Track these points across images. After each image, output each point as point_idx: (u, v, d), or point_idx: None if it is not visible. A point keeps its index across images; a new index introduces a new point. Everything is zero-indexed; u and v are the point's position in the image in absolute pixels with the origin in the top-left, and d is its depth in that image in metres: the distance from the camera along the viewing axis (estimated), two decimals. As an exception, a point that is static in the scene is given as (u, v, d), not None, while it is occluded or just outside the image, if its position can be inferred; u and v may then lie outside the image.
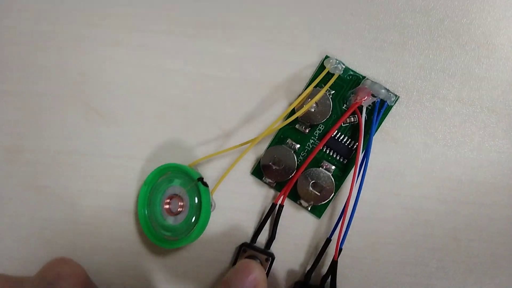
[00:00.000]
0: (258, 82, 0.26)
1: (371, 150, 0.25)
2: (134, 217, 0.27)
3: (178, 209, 0.25)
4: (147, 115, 0.27)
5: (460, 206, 0.25)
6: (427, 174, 0.25)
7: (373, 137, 0.24)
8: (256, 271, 0.20)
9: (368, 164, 0.25)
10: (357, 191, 0.24)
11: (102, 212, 0.27)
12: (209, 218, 0.24)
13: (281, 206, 0.25)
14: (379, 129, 0.25)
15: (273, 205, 0.25)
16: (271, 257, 0.25)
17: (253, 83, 0.26)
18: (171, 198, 0.25)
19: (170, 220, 0.25)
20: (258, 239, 0.26)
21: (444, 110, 0.25)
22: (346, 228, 0.23)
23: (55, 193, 0.28)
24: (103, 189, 0.27)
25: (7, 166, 0.28)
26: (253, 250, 0.25)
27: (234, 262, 0.26)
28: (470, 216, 0.25)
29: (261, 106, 0.26)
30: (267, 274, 0.24)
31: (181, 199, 0.25)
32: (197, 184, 0.24)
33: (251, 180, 0.26)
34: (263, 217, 0.25)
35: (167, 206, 0.25)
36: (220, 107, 0.26)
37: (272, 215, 0.25)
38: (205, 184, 0.24)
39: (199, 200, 0.24)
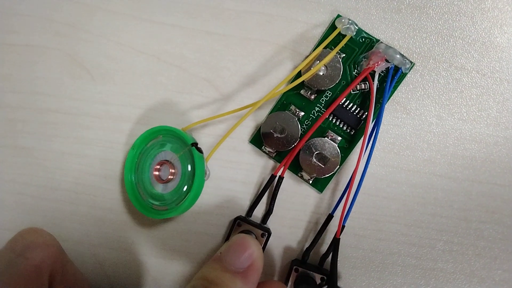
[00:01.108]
0: (261, 41, 0.24)
1: (381, 121, 0.23)
2: (120, 184, 0.25)
3: (169, 177, 0.22)
4: (137, 73, 0.25)
5: (472, 185, 0.23)
6: (439, 150, 0.23)
7: (385, 107, 0.22)
8: (252, 247, 0.18)
9: (378, 136, 0.23)
10: (364, 164, 0.22)
11: (85, 178, 0.25)
12: (202, 187, 0.22)
13: (281, 177, 0.23)
14: (390, 98, 0.23)
15: (272, 177, 0.23)
16: (268, 232, 0.23)
17: (256, 42, 0.24)
18: (161, 164, 0.23)
19: (159, 188, 0.23)
20: (253, 213, 0.24)
21: (461, 81, 0.23)
22: (350, 204, 0.22)
23: (34, 155, 0.26)
24: (87, 153, 0.25)
25: (-18, 124, 0.26)
26: (248, 225, 0.23)
27: (228, 236, 0.24)
28: (482, 197, 0.23)
29: (263, 68, 0.24)
30: (263, 250, 0.22)
31: (173, 166, 0.22)
32: (190, 149, 0.22)
33: (249, 149, 0.24)
34: (261, 190, 0.23)
35: (156, 173, 0.23)
36: (218, 67, 0.24)
37: (270, 187, 0.23)
38: (200, 150, 0.22)
39: (193, 167, 0.22)
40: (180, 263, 0.25)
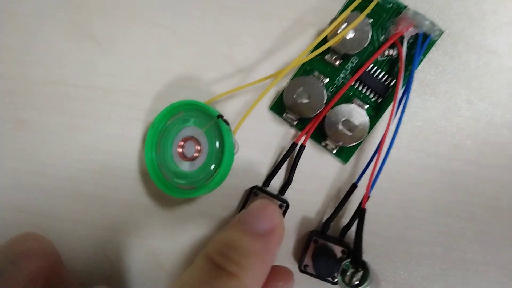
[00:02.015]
0: (280, 15, 0.23)
1: (408, 104, 0.22)
2: (128, 162, 0.23)
3: (194, 154, 0.21)
4: (151, 46, 0.23)
5: (503, 173, 0.22)
6: (469, 135, 0.22)
7: (411, 89, 0.21)
8: (275, 212, 0.17)
9: (405, 119, 0.22)
10: (393, 131, 0.20)
11: (90, 154, 0.23)
12: (232, 162, 0.20)
13: (303, 146, 0.21)
14: (418, 81, 0.22)
15: (293, 145, 0.21)
16: (286, 204, 0.21)
17: (275, 16, 0.23)
18: (185, 141, 0.21)
19: (184, 166, 0.21)
20: (271, 184, 0.22)
21: (491, 64, 0.22)
22: (377, 174, 0.20)
23: (35, 129, 0.24)
24: (93, 128, 0.23)
25: (-21, 94, 0.24)
26: (265, 195, 0.21)
27: (242, 207, 0.22)
28: (513, 185, 0.22)
29: (283, 42, 0.23)
30: None
31: (198, 142, 0.21)
32: (217, 122, 0.20)
33: (269, 117, 0.23)
34: (280, 159, 0.22)
35: (180, 150, 0.21)
36: (237, 42, 0.23)
37: (290, 156, 0.22)
38: (227, 123, 0.20)
39: (221, 142, 0.20)
40: (189, 246, 0.23)
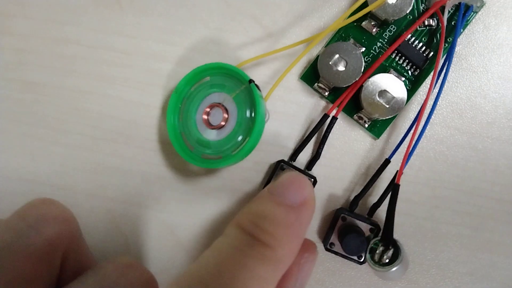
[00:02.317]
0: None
1: (447, 79, 0.21)
2: (146, 131, 0.22)
3: (221, 123, 0.19)
4: (174, 5, 0.22)
5: (536, 153, 0.21)
6: (505, 113, 0.21)
7: (447, 76, 0.20)
8: (308, 186, 0.16)
9: (442, 94, 0.21)
10: (431, 106, 0.19)
11: (106, 121, 0.22)
12: (262, 132, 0.19)
13: (335, 118, 0.20)
14: (455, 55, 0.21)
15: (325, 117, 0.20)
16: (313, 179, 0.20)
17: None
18: (211, 107, 0.20)
19: (210, 135, 0.20)
20: (298, 158, 0.21)
21: (532, 40, 0.21)
22: (412, 149, 0.19)
23: (45, 91, 0.22)
24: (109, 93, 0.22)
25: (-15, 51, 0.22)
26: (293, 169, 0.20)
27: (267, 182, 0.21)
28: (545, 167, 0.21)
29: (316, 6, 0.21)
30: None
31: (225, 110, 0.19)
32: (248, 87, 0.19)
33: (299, 87, 0.21)
34: (309, 132, 0.21)
35: (205, 117, 0.20)
36: (266, 3, 0.21)
37: (320, 130, 0.21)
38: (258, 88, 0.19)
39: (252, 109, 0.19)
40: (210, 222, 0.22)
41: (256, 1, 0.21)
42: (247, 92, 0.19)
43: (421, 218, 0.22)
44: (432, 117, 0.21)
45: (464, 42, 0.21)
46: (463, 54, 0.21)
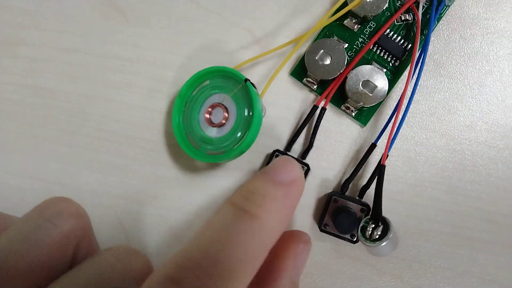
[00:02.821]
0: (307, -5, 0.23)
1: (423, 84, 0.23)
2: (149, 132, 0.24)
3: (222, 121, 0.21)
4: (175, 18, 0.24)
5: (511, 154, 0.23)
6: (480, 116, 0.23)
7: (424, 68, 0.22)
8: (296, 167, 0.17)
9: (419, 99, 0.23)
10: (411, 91, 0.21)
11: (110, 124, 0.24)
12: (260, 126, 0.21)
13: (324, 109, 0.22)
14: (433, 62, 0.23)
15: (314, 108, 0.22)
16: (307, 167, 0.22)
17: (302, -5, 0.23)
18: (212, 107, 0.22)
19: (212, 132, 0.22)
20: (292, 148, 0.23)
21: (505, 48, 0.23)
22: (395, 132, 0.21)
23: (55, 96, 0.24)
24: (115, 98, 0.24)
25: (2, 60, 0.24)
26: None
27: None
28: (521, 167, 0.23)
29: (305, 19, 0.23)
30: None
31: (225, 109, 0.21)
32: (245, 86, 0.21)
33: (289, 82, 0.23)
34: (301, 123, 0.22)
35: (207, 116, 0.22)
36: (260, 17, 0.23)
37: (311, 120, 0.22)
38: (254, 86, 0.21)
39: (249, 106, 0.21)
40: (207, 218, 0.23)
41: (248, 15, 0.23)
42: (244, 90, 0.21)
43: (403, 216, 0.23)
44: (412, 119, 0.23)
45: (442, 51, 0.23)
46: (441, 62, 0.23)
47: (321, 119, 0.22)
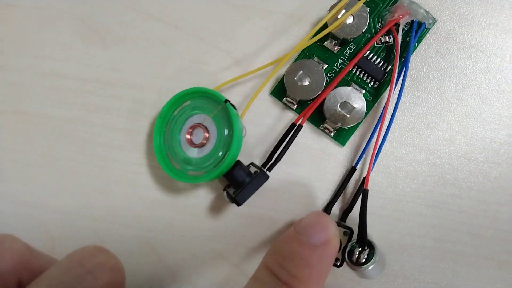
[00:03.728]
0: (281, 13, 0.23)
1: (401, 99, 0.23)
2: (129, 155, 0.24)
3: (203, 141, 0.21)
4: (153, 41, 0.24)
5: (490, 166, 0.23)
6: (459, 130, 0.23)
7: (405, 85, 0.22)
8: (331, 225, 0.18)
9: (398, 114, 0.23)
10: (391, 113, 0.22)
11: (91, 147, 0.24)
12: (241, 146, 0.21)
13: (300, 126, 0.22)
14: (410, 78, 0.23)
15: (292, 126, 0.22)
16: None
17: (276, 14, 0.23)
18: (193, 128, 0.22)
19: (193, 153, 0.22)
20: (271, 164, 0.22)
21: (481, 63, 0.23)
22: (376, 155, 0.21)
23: (36, 121, 0.24)
24: (94, 121, 0.24)
25: (-19, 86, 0.24)
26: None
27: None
28: (500, 179, 0.23)
29: (284, 40, 0.23)
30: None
31: (206, 129, 0.21)
32: (225, 107, 0.21)
33: (269, 101, 0.23)
34: (278, 140, 0.22)
35: (188, 137, 0.22)
36: (238, 39, 0.24)
37: (290, 138, 0.22)
38: (234, 107, 0.21)
39: (229, 127, 0.21)
40: (189, 239, 0.23)
41: (227, 37, 0.24)
42: (224, 111, 0.21)
43: (385, 231, 0.23)
44: (392, 135, 0.23)
45: (419, 66, 0.23)
46: (418, 77, 0.23)
47: (295, 136, 0.22)
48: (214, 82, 0.23)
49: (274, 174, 0.23)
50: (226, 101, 0.21)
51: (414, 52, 0.23)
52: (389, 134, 0.23)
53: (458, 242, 0.23)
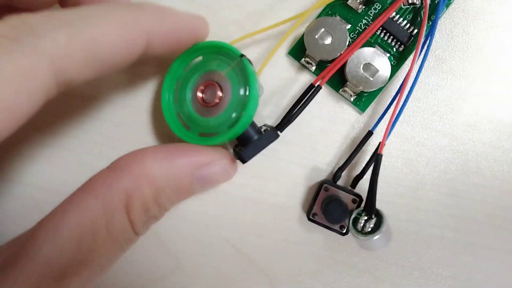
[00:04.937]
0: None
1: (424, 81, 0.21)
2: (147, 136, 0.22)
3: (215, 100, 0.19)
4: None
5: (517, 155, 0.22)
6: (485, 115, 0.22)
7: (427, 66, 0.21)
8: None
9: (420, 97, 0.21)
10: (414, 77, 0.20)
11: (99, 125, 0.22)
12: (257, 106, 0.19)
13: (319, 87, 0.20)
14: (435, 58, 0.21)
15: (311, 87, 0.20)
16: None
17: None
18: (205, 85, 0.20)
19: (205, 113, 0.19)
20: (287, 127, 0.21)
21: (510, 43, 0.22)
22: (394, 121, 0.20)
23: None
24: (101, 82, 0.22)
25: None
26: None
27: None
28: (527, 169, 0.22)
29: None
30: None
31: (219, 87, 0.19)
32: (241, 62, 0.19)
33: (287, 62, 0.22)
34: (295, 101, 0.21)
35: (200, 95, 0.19)
36: (251, 11, 0.22)
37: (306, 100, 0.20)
38: (251, 63, 0.19)
39: (245, 85, 0.19)
40: (195, 227, 0.22)
41: (242, 11, 0.22)
42: (239, 68, 0.19)
43: (403, 220, 0.22)
44: (413, 119, 0.21)
45: (444, 46, 0.22)
46: (444, 57, 0.22)
47: (313, 97, 0.20)
48: (229, 37, 0.21)
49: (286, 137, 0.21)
50: (242, 55, 0.19)
51: (440, 31, 0.22)
52: (410, 117, 0.21)
53: (480, 234, 0.21)
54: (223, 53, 0.20)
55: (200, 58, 0.20)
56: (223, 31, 0.22)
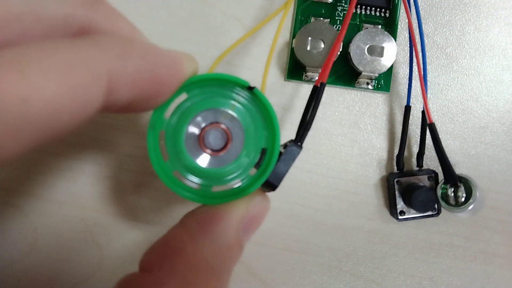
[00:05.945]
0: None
1: (435, 80, 0.20)
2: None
3: (223, 145, 0.15)
4: (154, 5, 0.21)
5: None
6: (498, 117, 0.21)
7: (434, 62, 0.20)
8: None
9: (431, 97, 0.20)
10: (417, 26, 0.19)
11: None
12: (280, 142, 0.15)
13: (322, 84, 0.17)
14: (445, 55, 0.20)
15: (315, 89, 0.17)
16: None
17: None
18: (204, 130, 0.15)
19: (211, 162, 0.15)
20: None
21: (524, 42, 0.21)
22: (424, 79, 0.19)
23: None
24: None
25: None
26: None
27: None
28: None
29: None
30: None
31: (225, 128, 0.15)
32: (251, 94, 0.15)
33: (289, 87, 0.20)
34: (305, 107, 0.18)
35: (201, 142, 0.15)
36: (249, 4, 0.21)
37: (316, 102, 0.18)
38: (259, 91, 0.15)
39: (261, 117, 0.15)
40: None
41: (238, 3, 0.21)
42: (247, 99, 0.15)
43: (412, 228, 0.20)
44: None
45: (455, 43, 0.20)
46: (454, 55, 0.20)
47: (320, 97, 0.18)
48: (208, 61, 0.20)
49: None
50: (250, 87, 0.15)
51: (451, 28, 0.20)
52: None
53: (491, 242, 0.20)
54: (214, 85, 0.15)
55: (184, 95, 0.15)
56: (220, 25, 0.21)
